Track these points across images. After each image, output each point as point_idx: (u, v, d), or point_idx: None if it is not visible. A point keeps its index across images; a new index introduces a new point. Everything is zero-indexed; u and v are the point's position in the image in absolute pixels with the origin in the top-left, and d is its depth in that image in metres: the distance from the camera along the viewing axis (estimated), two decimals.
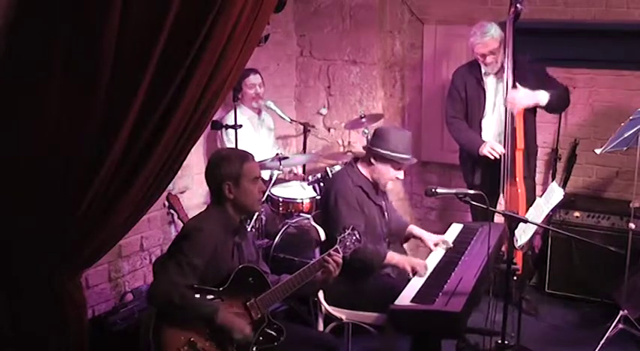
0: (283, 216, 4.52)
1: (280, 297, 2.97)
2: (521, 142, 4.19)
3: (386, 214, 3.66)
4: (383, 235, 3.63)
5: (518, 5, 4.08)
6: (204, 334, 2.77)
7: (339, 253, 3.00)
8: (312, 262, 3.00)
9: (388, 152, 3.44)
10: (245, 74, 4.61)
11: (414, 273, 3.36)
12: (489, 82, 4.35)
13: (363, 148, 3.63)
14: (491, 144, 4.23)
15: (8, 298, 2.36)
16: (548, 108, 4.24)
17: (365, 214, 3.49)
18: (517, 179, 4.22)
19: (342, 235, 3.04)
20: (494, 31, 4.15)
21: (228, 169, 2.87)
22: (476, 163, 4.39)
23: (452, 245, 3.66)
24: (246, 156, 2.97)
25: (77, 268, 2.47)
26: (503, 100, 4.21)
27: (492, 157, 4.20)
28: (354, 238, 3.04)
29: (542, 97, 4.14)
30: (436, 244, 3.69)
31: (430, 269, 3.42)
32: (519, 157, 4.21)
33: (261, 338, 2.90)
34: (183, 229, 2.91)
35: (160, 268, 2.84)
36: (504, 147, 4.20)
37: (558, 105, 4.27)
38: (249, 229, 4.13)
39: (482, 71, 4.33)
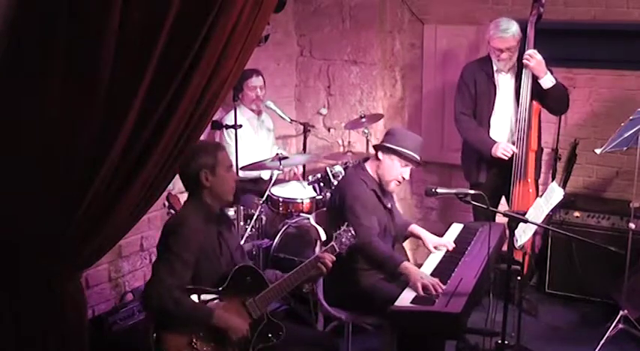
0: (283, 216, 4.52)
1: (278, 295, 3.00)
2: (535, 143, 4.21)
3: (394, 216, 3.66)
4: (390, 238, 3.62)
5: (541, 8, 4.12)
6: (204, 336, 2.78)
7: (335, 250, 3.04)
8: (306, 261, 3.03)
9: (398, 147, 3.45)
10: (247, 75, 4.61)
11: (424, 291, 3.15)
12: (501, 79, 4.32)
13: (374, 146, 3.63)
14: (504, 145, 4.21)
15: (9, 298, 2.36)
16: (549, 96, 4.18)
17: (377, 218, 3.48)
18: (529, 180, 4.23)
19: (338, 232, 3.08)
20: (514, 30, 4.15)
21: (204, 159, 2.89)
22: (482, 161, 4.36)
23: (453, 247, 3.62)
24: (218, 145, 3.05)
25: (77, 269, 2.47)
26: (514, 91, 4.23)
27: (506, 158, 4.20)
28: (350, 234, 3.08)
29: (550, 77, 4.13)
30: (435, 247, 3.65)
31: (430, 270, 3.41)
32: (532, 157, 4.22)
33: (260, 337, 2.91)
34: (165, 229, 2.91)
35: (152, 272, 2.86)
36: (518, 146, 4.19)
37: (558, 98, 4.23)
38: (249, 229, 4.16)
39: (494, 68, 4.30)
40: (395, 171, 3.49)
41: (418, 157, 3.50)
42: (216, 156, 2.93)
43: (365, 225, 3.35)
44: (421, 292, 3.13)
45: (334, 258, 3.03)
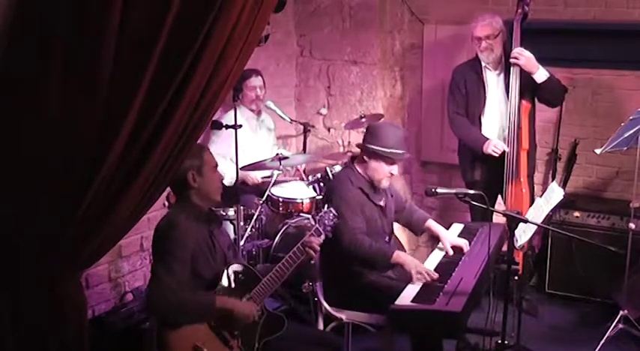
0: (283, 216, 4.52)
1: (273, 287, 3.02)
2: (526, 143, 4.21)
3: (388, 213, 3.66)
4: (384, 234, 3.62)
5: (525, 7, 4.13)
6: (208, 337, 2.80)
7: (320, 233, 3.08)
8: (294, 248, 3.04)
9: (379, 148, 3.44)
10: (247, 75, 4.60)
11: (417, 277, 3.27)
12: (490, 77, 4.35)
13: (357, 145, 3.63)
14: (495, 142, 4.23)
15: (8, 298, 2.36)
16: (544, 89, 4.18)
17: (366, 216, 3.48)
18: (521, 179, 4.23)
19: (320, 214, 3.13)
20: (494, 20, 4.22)
21: (190, 160, 2.89)
22: (476, 159, 4.38)
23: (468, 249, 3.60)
24: (202, 146, 3.06)
25: (77, 269, 2.46)
26: (504, 90, 4.25)
27: (496, 155, 4.21)
28: (331, 214, 3.12)
29: (543, 71, 4.13)
30: (453, 247, 3.62)
31: (431, 269, 3.41)
32: (524, 157, 4.22)
33: (264, 330, 2.95)
34: (157, 232, 2.91)
35: (151, 275, 2.87)
36: (508, 146, 4.20)
37: (553, 90, 4.22)
38: (249, 229, 4.16)
39: (482, 65, 4.33)
40: (382, 171, 3.49)
41: (403, 153, 3.49)
42: (202, 156, 2.95)
43: (350, 226, 3.37)
44: (415, 280, 3.23)
45: (321, 240, 3.07)
